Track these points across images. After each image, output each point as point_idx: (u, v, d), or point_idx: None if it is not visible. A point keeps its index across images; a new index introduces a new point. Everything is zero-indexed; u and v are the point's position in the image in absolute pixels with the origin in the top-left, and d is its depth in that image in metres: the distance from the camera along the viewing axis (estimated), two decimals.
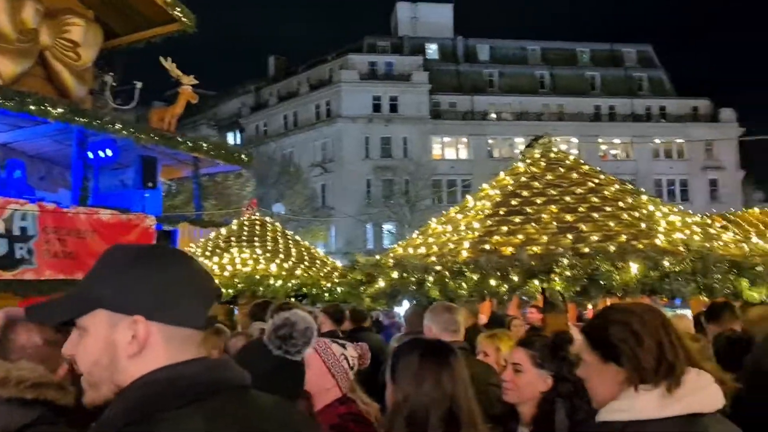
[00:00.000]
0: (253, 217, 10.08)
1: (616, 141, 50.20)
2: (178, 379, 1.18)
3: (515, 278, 5.08)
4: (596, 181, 6.39)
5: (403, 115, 49.07)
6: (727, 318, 4.91)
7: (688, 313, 9.12)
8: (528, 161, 6.90)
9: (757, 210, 12.01)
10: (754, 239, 9.20)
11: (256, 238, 9.43)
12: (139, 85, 15.61)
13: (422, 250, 6.07)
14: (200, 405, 1.15)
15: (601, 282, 4.98)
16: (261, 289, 8.04)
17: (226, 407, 1.18)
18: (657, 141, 49.81)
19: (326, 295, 8.40)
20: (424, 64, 51.34)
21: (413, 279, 5.44)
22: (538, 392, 2.61)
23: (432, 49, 54.04)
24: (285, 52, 66.84)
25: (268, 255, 8.92)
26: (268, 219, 10.48)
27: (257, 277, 8.31)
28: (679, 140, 49.57)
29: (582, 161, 6.90)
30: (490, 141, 50.91)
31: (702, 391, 1.72)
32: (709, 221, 7.38)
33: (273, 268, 8.55)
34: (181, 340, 1.23)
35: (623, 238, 5.32)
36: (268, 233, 9.68)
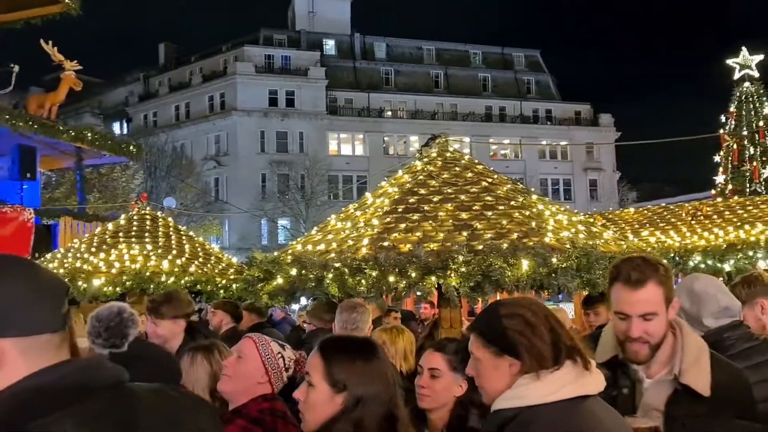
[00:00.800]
0: (142, 212, 9.67)
1: (507, 141, 52.19)
2: (43, 386, 1.13)
3: (413, 274, 5.17)
4: (490, 180, 6.63)
5: (299, 109, 48.71)
6: (602, 309, 5.24)
7: (569, 306, 9.66)
8: (425, 160, 7.05)
9: (631, 209, 12.90)
10: (630, 237, 9.86)
11: (146, 234, 9.05)
12: (15, 68, 14.55)
13: (321, 246, 6.06)
14: (71, 410, 1.10)
15: (494, 278, 5.18)
16: (152, 286, 7.74)
17: (99, 409, 1.14)
18: (544, 142, 52.25)
19: (222, 292, 8.21)
20: (321, 60, 51.17)
21: (312, 276, 5.41)
22: (453, 397, 2.58)
23: (329, 45, 53.95)
24: (177, 40, 64.33)
25: (159, 251, 8.58)
26: (159, 213, 10.09)
27: (147, 274, 7.98)
28: (563, 142, 52.28)
29: (476, 161, 7.14)
30: (386, 138, 51.52)
31: (589, 375, 1.80)
32: (591, 220, 7.85)
33: (165, 264, 8.24)
34: (40, 348, 1.17)
35: (515, 235, 5.55)
36: (159, 228, 9.32)
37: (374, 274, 5.16)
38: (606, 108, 54.96)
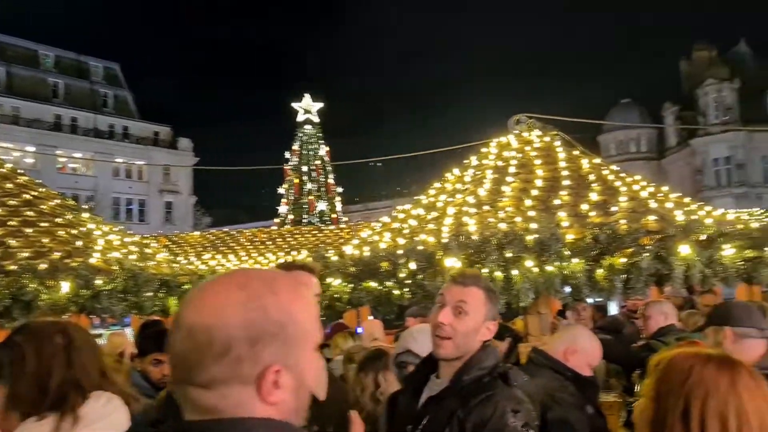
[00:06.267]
0: None
1: (77, 155, 48.46)
2: None
3: None
4: (35, 193, 6.03)
5: None
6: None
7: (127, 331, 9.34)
8: None
9: (197, 233, 13.27)
10: (193, 259, 10.06)
11: None
12: None
13: None
14: None
15: (26, 301, 4.68)
16: None
17: None
18: (119, 160, 50.15)
19: None
20: None
21: None
22: None
23: None
24: None
25: None
26: None
27: None
28: (140, 162, 51.00)
29: (20, 170, 6.42)
30: None
31: (104, 419, 1.70)
32: (146, 241, 7.77)
33: None
34: None
35: (57, 255, 5.14)
36: None
37: None
38: (186, 132, 55.61)
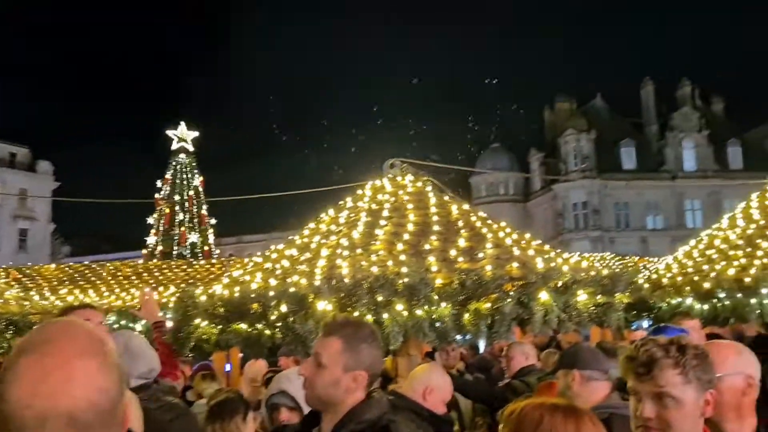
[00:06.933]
0: None
1: None
2: None
3: None
4: None
5: None
6: None
7: None
8: None
9: (52, 266, 12.38)
10: (48, 294, 9.36)
11: None
12: None
13: None
14: None
15: None
16: None
17: None
18: None
19: None
20: None
21: None
22: None
23: None
24: None
25: None
26: None
27: None
28: None
29: None
30: None
31: None
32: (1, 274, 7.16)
33: None
34: None
35: None
36: None
37: None
38: (47, 154, 51.99)
